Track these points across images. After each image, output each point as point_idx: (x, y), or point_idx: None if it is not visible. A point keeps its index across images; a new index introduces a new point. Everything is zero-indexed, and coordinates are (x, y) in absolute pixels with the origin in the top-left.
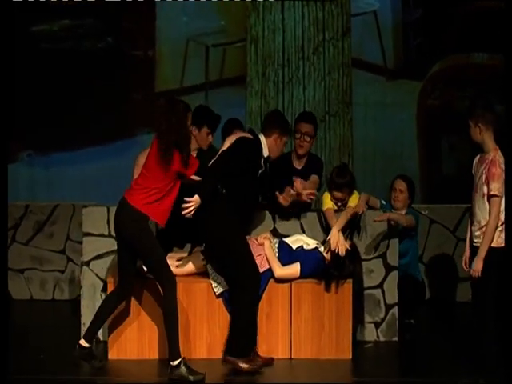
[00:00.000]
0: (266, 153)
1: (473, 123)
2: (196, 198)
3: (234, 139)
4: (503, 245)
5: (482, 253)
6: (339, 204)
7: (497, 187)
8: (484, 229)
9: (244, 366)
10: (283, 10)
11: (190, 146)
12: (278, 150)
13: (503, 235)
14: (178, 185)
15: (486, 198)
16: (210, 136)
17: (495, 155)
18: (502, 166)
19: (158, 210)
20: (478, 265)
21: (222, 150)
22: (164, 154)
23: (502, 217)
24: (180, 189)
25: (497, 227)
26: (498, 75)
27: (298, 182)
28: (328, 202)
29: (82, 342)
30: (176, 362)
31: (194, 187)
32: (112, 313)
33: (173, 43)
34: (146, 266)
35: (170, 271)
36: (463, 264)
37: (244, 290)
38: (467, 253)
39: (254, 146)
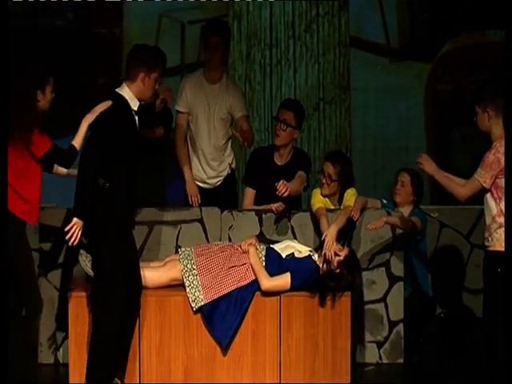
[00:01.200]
0: (134, 105)
1: (481, 109)
2: (74, 220)
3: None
4: None
5: (438, 173)
6: (328, 182)
7: (482, 173)
8: (490, 230)
9: None
10: None
11: (31, 122)
12: (149, 90)
13: None
14: (39, 171)
15: (488, 193)
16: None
17: (498, 142)
18: (500, 154)
19: (23, 206)
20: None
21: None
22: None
23: (502, 220)
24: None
25: (455, 193)
26: None
27: (282, 185)
28: (318, 201)
29: None
30: None
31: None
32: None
33: (143, 20)
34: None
35: (38, 293)
36: None
37: (106, 305)
38: None
39: (113, 117)
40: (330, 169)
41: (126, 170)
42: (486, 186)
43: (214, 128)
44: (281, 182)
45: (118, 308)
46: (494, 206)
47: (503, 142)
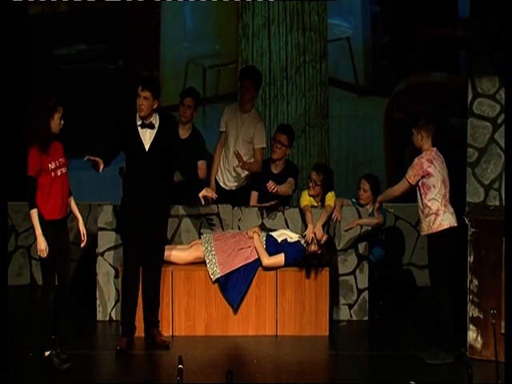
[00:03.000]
0: (138, 120)
1: (416, 131)
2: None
3: None
4: (440, 229)
5: (381, 198)
6: (314, 186)
7: (408, 172)
8: (421, 217)
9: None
10: (269, 37)
11: (34, 143)
12: (137, 103)
13: (438, 221)
14: (43, 181)
15: (418, 191)
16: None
17: (424, 152)
18: (423, 159)
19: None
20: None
21: None
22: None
23: (433, 206)
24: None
25: (395, 195)
26: (453, 92)
27: (271, 183)
28: (305, 199)
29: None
30: (47, 353)
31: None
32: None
33: (174, 65)
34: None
35: (53, 280)
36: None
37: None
38: None
39: (120, 128)
40: (315, 176)
41: (133, 165)
42: (410, 181)
43: (238, 147)
44: (270, 182)
45: (128, 270)
46: (420, 201)
47: (428, 152)
